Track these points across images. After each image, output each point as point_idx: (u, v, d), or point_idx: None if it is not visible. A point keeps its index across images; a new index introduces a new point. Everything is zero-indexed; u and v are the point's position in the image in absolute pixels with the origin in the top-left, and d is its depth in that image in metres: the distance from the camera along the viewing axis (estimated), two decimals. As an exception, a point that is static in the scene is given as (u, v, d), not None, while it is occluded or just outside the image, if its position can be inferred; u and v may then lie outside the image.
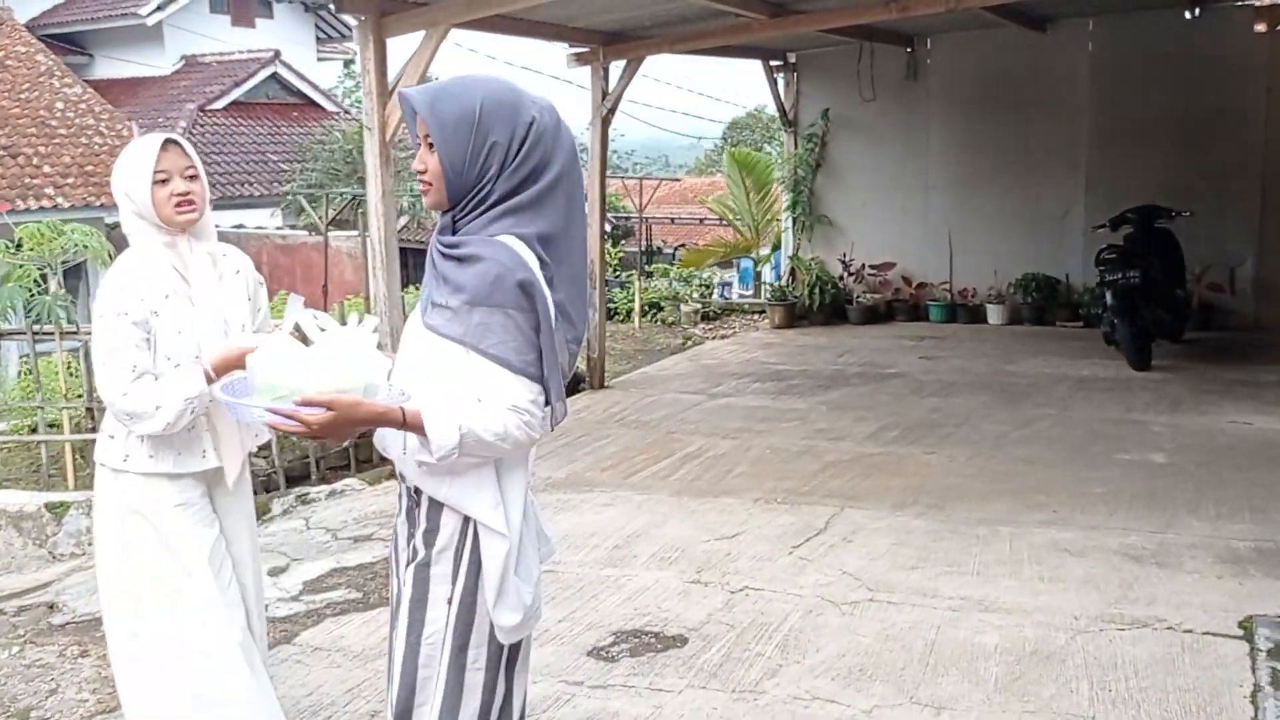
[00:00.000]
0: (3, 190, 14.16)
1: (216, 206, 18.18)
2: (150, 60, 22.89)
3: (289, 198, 17.98)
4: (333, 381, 2.06)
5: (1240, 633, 3.95)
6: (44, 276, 6.44)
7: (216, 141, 20.61)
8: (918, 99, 11.83)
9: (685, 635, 4.12)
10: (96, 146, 16.21)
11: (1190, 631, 3.97)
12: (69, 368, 6.45)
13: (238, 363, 2.75)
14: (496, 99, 2.10)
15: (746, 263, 14.25)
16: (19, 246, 6.17)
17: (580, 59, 8.50)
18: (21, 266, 6.12)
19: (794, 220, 12.58)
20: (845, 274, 12.12)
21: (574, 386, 8.91)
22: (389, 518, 5.52)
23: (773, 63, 12.20)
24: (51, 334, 6.24)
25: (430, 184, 2.12)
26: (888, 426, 7.25)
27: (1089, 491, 5.70)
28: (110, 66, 23.53)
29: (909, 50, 11.64)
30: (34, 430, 6.46)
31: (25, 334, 6.28)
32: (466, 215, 2.12)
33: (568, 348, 2.17)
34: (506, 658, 2.23)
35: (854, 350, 10.28)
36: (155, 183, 2.83)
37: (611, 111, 8.56)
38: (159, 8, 22.20)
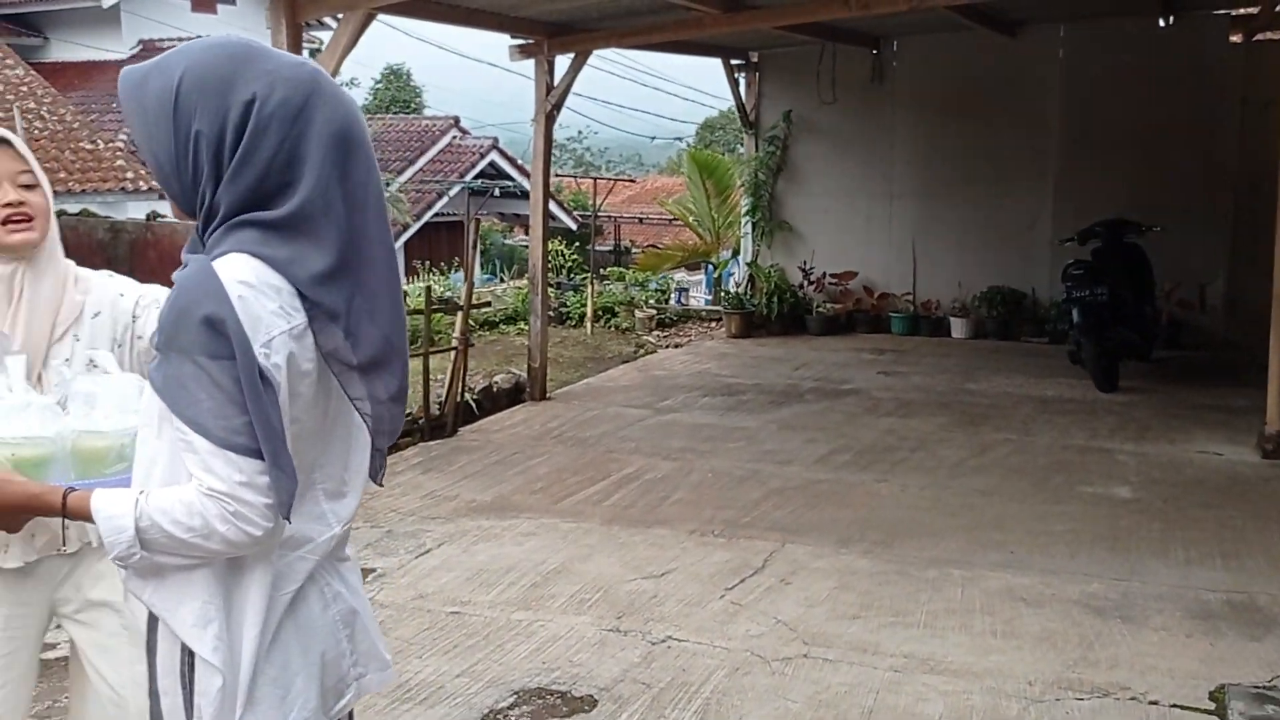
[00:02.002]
0: (-69, 175, 13.53)
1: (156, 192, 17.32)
2: (106, 44, 22.29)
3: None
4: (14, 448, 1.58)
5: (1211, 705, 3.54)
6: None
7: (169, 129, 20.03)
8: (882, 103, 11.44)
9: (595, 696, 3.66)
10: (36, 131, 15.57)
11: (1156, 703, 3.55)
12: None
13: None
14: (202, 72, 1.52)
15: (711, 266, 13.83)
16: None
17: (523, 51, 8.01)
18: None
19: (754, 225, 12.17)
20: (805, 282, 11.72)
21: (515, 397, 8.44)
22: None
23: (734, 61, 11.78)
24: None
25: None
26: (839, 449, 6.82)
27: (1049, 529, 5.29)
28: (65, 49, 22.91)
29: (874, 52, 11.25)
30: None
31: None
32: (208, 230, 1.56)
33: (373, 406, 1.63)
34: None
35: (810, 363, 9.86)
36: None
37: (557, 107, 8.08)
38: (116, -10, 21.67)
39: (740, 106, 12.11)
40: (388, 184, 17.36)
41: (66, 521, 1.66)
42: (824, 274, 11.64)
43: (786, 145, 11.88)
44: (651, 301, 12.91)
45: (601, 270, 14.35)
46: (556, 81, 8.01)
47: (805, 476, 6.24)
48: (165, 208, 17.31)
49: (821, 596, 4.49)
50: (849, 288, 11.66)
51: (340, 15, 6.04)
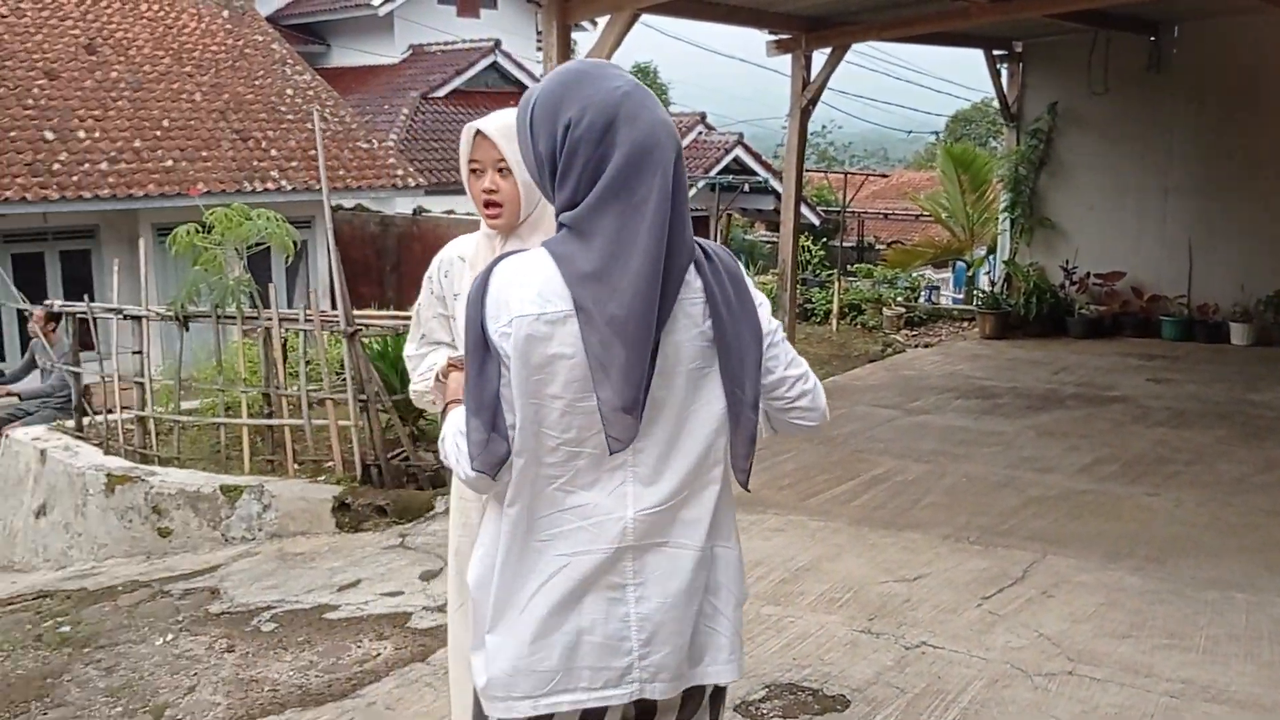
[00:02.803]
0: (232, 172, 14.84)
1: (432, 191, 18.22)
2: (380, 50, 23.86)
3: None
4: None
5: None
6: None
7: (437, 128, 21.25)
8: (1160, 93, 10.72)
9: (847, 696, 3.63)
10: (321, 132, 16.83)
11: None
12: (247, 352, 6.49)
13: None
14: (544, 99, 1.75)
15: (962, 264, 13.40)
16: (209, 230, 6.26)
17: (780, 46, 8.01)
18: (207, 249, 6.20)
19: (1012, 222, 11.70)
20: (1067, 282, 11.15)
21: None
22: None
23: (996, 52, 11.35)
24: (234, 318, 6.29)
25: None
26: (1104, 459, 6.47)
27: (1349, 557, 4.83)
28: (344, 55, 24.70)
29: (1152, 39, 10.56)
30: (229, 410, 6.57)
31: (209, 316, 6.37)
32: None
33: (606, 410, 1.70)
34: None
35: (1071, 367, 9.39)
36: (471, 173, 2.54)
37: (812, 103, 8.04)
38: (389, -1, 23.11)
39: (1002, 99, 11.66)
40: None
41: None
42: (1088, 274, 11.05)
43: (1050, 138, 11.34)
44: (900, 299, 12.63)
45: (848, 266, 14.16)
46: (813, 77, 7.97)
47: (1067, 486, 5.96)
48: (430, 203, 18.39)
49: (1087, 612, 4.27)
50: (1115, 289, 11.01)
51: (607, 16, 6.21)
